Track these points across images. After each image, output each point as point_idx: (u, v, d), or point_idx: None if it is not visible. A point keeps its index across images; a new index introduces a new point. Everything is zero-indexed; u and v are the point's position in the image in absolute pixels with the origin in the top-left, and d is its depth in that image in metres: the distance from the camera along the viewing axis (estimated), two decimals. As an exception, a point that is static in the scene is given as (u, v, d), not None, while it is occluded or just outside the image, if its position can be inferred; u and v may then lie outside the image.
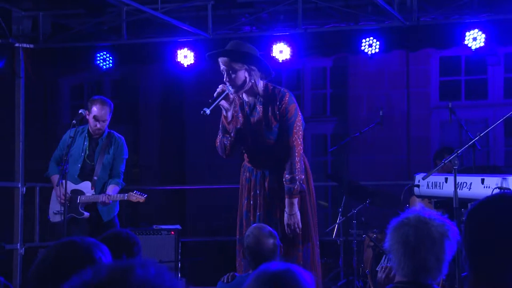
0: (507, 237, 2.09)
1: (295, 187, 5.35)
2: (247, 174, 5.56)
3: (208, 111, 5.27)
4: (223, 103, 5.46)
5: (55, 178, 7.19)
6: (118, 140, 7.28)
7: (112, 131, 7.30)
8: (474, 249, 2.13)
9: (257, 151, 5.53)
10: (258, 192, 5.47)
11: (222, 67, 5.46)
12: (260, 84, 5.52)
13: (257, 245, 4.64)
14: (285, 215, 5.37)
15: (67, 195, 7.03)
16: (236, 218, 5.73)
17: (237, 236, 5.60)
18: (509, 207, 2.13)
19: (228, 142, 5.57)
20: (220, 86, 5.46)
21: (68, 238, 2.59)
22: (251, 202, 5.48)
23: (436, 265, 2.96)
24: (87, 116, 7.12)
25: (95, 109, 7.10)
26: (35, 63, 9.30)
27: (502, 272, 2.07)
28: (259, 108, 5.52)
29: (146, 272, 1.61)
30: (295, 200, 5.35)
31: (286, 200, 5.35)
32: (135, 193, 7.07)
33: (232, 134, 5.54)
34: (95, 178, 7.13)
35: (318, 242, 5.63)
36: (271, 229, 4.81)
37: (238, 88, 5.45)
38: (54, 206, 7.22)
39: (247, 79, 5.44)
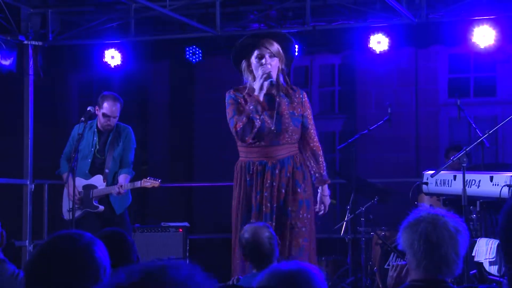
0: None
1: (325, 178, 5.76)
2: (259, 168, 5.47)
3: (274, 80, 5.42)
4: (266, 83, 5.43)
5: (67, 175, 7.17)
6: (126, 130, 7.28)
7: (118, 122, 7.29)
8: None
9: (276, 142, 5.48)
10: (274, 184, 5.44)
11: (267, 50, 5.47)
12: (281, 78, 5.57)
13: (255, 240, 4.64)
14: (320, 196, 5.71)
15: (79, 192, 7.04)
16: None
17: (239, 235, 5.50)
18: None
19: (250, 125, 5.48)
20: (268, 70, 5.44)
21: (66, 232, 2.55)
22: (265, 194, 5.43)
23: (455, 260, 2.96)
24: (97, 112, 7.11)
25: (106, 106, 7.08)
26: (44, 60, 9.32)
27: None
28: (283, 100, 5.52)
29: (178, 273, 1.61)
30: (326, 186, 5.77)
31: (322, 186, 5.73)
32: (149, 179, 7.05)
33: (245, 119, 5.46)
34: (107, 171, 7.14)
35: (315, 240, 5.64)
36: (265, 223, 4.82)
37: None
38: (67, 203, 7.21)
39: (278, 71, 5.52)
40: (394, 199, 8.29)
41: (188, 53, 9.23)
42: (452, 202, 6.46)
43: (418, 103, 10.68)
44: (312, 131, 5.67)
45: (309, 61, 11.13)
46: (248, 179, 5.52)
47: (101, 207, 7.12)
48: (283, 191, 5.45)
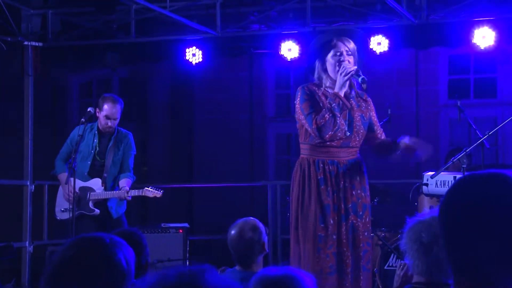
0: (492, 221, 1.82)
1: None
2: (331, 167, 5.37)
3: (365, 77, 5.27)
4: (349, 79, 5.33)
5: (63, 176, 7.12)
6: (127, 137, 7.28)
7: (118, 127, 7.29)
8: (454, 237, 1.87)
9: (346, 143, 5.38)
10: (347, 185, 5.35)
11: (345, 48, 5.39)
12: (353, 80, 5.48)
13: (238, 238, 4.67)
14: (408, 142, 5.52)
15: (76, 193, 7.02)
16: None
17: (319, 233, 5.29)
18: (495, 187, 1.87)
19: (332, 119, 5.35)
20: (352, 67, 5.32)
21: (94, 234, 2.49)
22: (340, 195, 5.35)
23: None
24: (97, 114, 7.10)
25: (106, 107, 7.07)
26: (44, 61, 9.32)
27: (486, 264, 1.82)
28: (353, 102, 5.42)
29: (215, 278, 1.59)
30: None
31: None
32: (151, 188, 7.07)
33: (327, 115, 5.29)
34: (105, 175, 7.12)
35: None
36: (259, 224, 4.77)
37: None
38: (61, 203, 7.20)
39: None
40: (394, 200, 8.29)
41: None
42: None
43: (418, 104, 10.68)
44: (379, 131, 5.66)
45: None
46: (319, 177, 5.36)
47: (97, 211, 7.09)
48: (354, 193, 5.38)
